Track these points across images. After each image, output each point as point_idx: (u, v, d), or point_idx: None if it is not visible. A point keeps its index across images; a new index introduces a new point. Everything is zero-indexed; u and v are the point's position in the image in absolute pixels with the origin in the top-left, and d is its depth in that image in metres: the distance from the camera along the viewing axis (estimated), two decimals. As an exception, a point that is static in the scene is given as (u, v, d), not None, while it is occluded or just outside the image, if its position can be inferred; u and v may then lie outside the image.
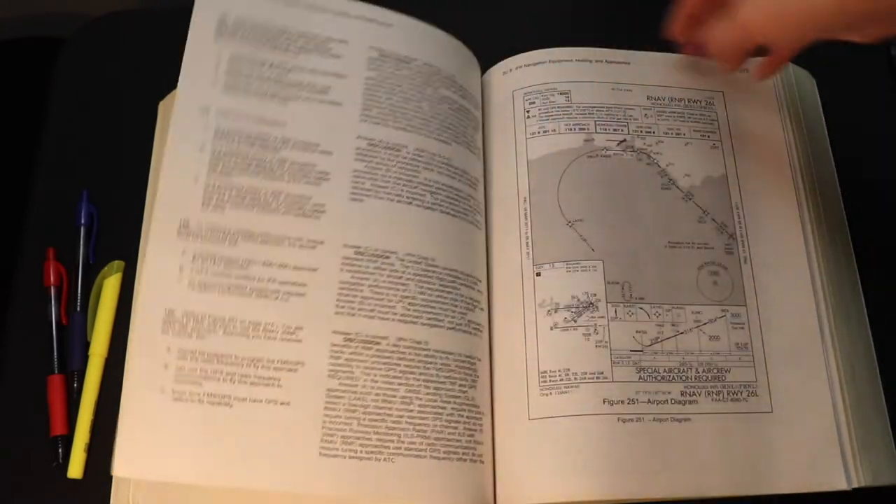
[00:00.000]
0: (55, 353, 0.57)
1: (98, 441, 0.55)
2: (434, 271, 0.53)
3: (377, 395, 0.50)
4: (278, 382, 0.49)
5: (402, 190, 0.54)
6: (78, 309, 0.58)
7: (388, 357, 0.51)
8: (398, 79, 0.56)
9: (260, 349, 0.49)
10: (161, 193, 0.51)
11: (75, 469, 0.54)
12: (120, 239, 0.60)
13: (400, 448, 0.49)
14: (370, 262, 0.52)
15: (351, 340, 0.50)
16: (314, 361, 0.50)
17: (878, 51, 0.64)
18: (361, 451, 0.49)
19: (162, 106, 0.64)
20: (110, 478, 0.53)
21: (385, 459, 0.49)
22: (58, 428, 0.55)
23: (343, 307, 0.51)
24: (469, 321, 0.53)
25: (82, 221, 0.60)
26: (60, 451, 0.55)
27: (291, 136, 0.53)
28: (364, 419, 0.49)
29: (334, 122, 0.54)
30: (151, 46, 0.68)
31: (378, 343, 0.51)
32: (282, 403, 0.49)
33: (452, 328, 0.53)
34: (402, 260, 0.52)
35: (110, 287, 0.58)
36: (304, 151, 0.53)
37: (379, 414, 0.49)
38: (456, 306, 0.53)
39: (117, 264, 0.59)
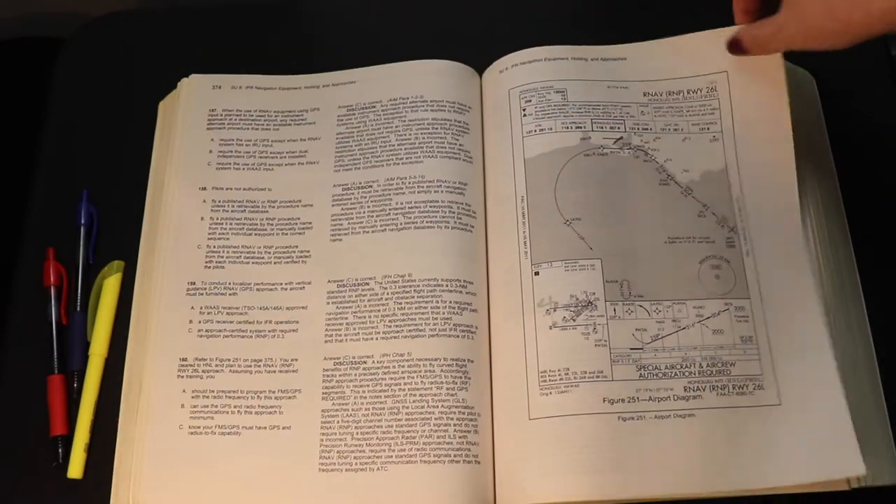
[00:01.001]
0: (55, 353, 0.57)
1: (98, 441, 0.55)
2: (412, 285, 0.55)
3: (367, 409, 0.53)
4: (279, 409, 0.54)
5: (375, 221, 0.58)
6: (78, 309, 0.58)
7: (375, 373, 0.54)
8: (365, 124, 0.61)
9: (261, 382, 0.55)
10: (170, 259, 0.58)
11: (75, 469, 0.54)
12: (120, 239, 0.60)
13: (391, 456, 0.52)
14: (352, 292, 0.56)
15: (340, 364, 0.55)
16: (309, 387, 0.54)
17: (878, 51, 0.64)
18: (356, 464, 0.52)
19: (162, 106, 0.64)
20: (110, 478, 0.53)
21: (378, 469, 0.52)
22: (58, 428, 0.55)
23: (331, 336, 0.56)
24: (456, 325, 0.54)
25: (82, 221, 0.60)
26: (60, 451, 0.55)
27: (277, 196, 0.60)
28: (356, 433, 0.53)
29: (313, 179, 0.60)
30: (151, 46, 0.69)
31: (364, 362, 0.54)
32: (283, 428, 0.54)
33: (435, 335, 0.54)
34: (380, 283, 0.56)
35: (110, 287, 0.58)
36: (289, 208, 0.59)
37: (370, 427, 0.53)
38: (438, 313, 0.54)
39: (117, 264, 0.59)
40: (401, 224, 0.57)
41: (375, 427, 0.53)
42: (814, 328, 0.52)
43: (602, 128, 0.58)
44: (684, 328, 0.53)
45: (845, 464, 0.49)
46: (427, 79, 0.62)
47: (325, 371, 0.55)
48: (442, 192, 0.58)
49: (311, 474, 0.52)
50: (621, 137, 0.58)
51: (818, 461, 0.49)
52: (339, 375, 0.54)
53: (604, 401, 0.51)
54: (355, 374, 0.54)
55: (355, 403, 0.53)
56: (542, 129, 0.58)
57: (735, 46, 0.56)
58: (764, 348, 0.52)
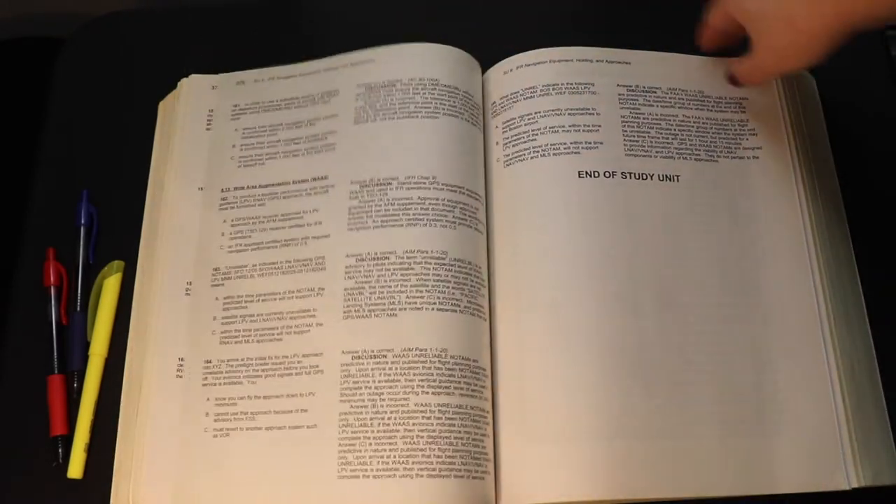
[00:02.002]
0: (55, 353, 0.57)
1: (98, 441, 0.55)
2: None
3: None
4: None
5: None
6: (78, 309, 0.58)
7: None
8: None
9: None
10: (170, 259, 0.57)
11: (75, 469, 0.54)
12: (120, 239, 0.60)
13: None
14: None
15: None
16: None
17: (878, 51, 0.64)
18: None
19: (162, 106, 0.64)
20: (110, 478, 0.53)
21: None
22: (58, 428, 0.55)
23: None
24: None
25: (82, 221, 0.60)
26: (60, 451, 0.55)
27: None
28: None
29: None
30: (151, 46, 0.69)
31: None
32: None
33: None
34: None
35: (110, 287, 0.58)
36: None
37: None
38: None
39: (117, 264, 0.59)
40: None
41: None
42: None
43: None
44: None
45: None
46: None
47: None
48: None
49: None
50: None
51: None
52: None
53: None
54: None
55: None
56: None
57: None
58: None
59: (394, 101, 0.59)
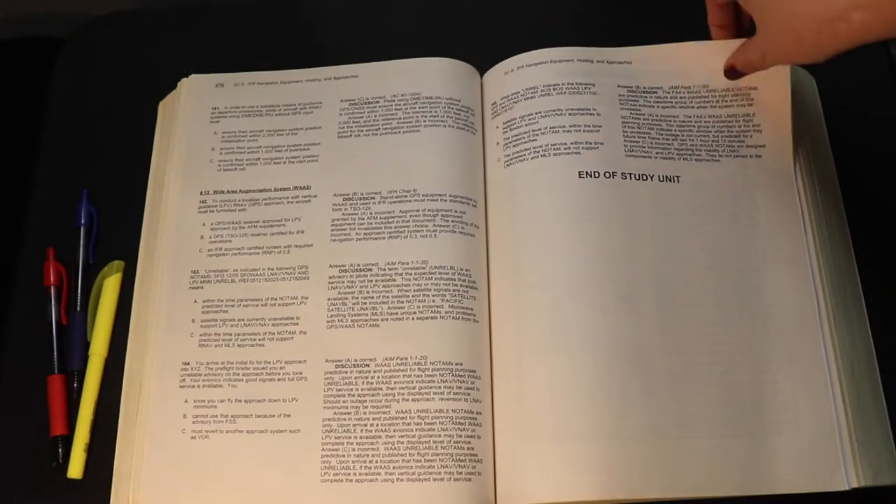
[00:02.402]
0: (55, 353, 0.57)
1: (98, 441, 0.55)
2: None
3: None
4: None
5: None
6: (78, 309, 0.58)
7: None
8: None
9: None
10: (170, 259, 0.58)
11: (75, 469, 0.54)
12: (120, 239, 0.60)
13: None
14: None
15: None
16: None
17: (878, 51, 0.64)
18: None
19: (162, 106, 0.64)
20: (110, 478, 0.53)
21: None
22: (58, 428, 0.55)
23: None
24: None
25: (82, 221, 0.60)
26: (60, 451, 0.55)
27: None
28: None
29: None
30: (151, 46, 0.69)
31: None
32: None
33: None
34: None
35: (110, 287, 0.58)
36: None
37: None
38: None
39: (117, 264, 0.59)
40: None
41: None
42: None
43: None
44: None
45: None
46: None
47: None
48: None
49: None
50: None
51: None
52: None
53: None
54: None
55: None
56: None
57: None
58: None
59: (377, 118, 0.60)
